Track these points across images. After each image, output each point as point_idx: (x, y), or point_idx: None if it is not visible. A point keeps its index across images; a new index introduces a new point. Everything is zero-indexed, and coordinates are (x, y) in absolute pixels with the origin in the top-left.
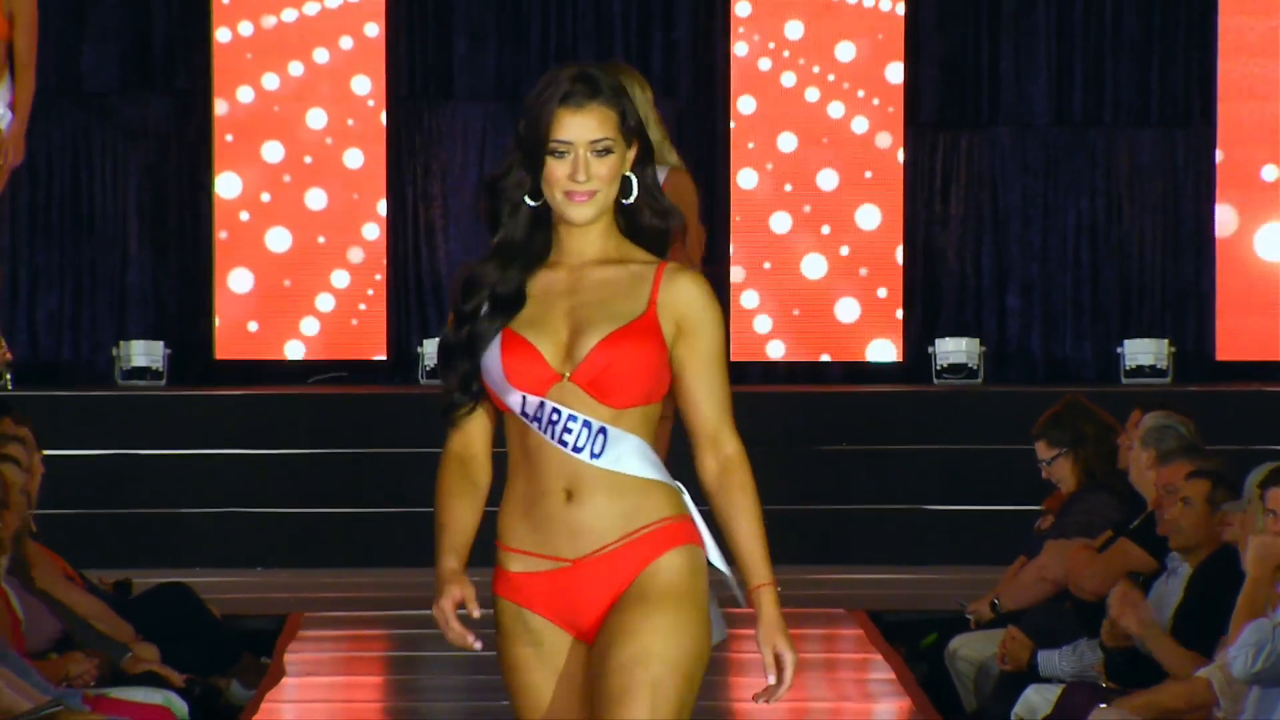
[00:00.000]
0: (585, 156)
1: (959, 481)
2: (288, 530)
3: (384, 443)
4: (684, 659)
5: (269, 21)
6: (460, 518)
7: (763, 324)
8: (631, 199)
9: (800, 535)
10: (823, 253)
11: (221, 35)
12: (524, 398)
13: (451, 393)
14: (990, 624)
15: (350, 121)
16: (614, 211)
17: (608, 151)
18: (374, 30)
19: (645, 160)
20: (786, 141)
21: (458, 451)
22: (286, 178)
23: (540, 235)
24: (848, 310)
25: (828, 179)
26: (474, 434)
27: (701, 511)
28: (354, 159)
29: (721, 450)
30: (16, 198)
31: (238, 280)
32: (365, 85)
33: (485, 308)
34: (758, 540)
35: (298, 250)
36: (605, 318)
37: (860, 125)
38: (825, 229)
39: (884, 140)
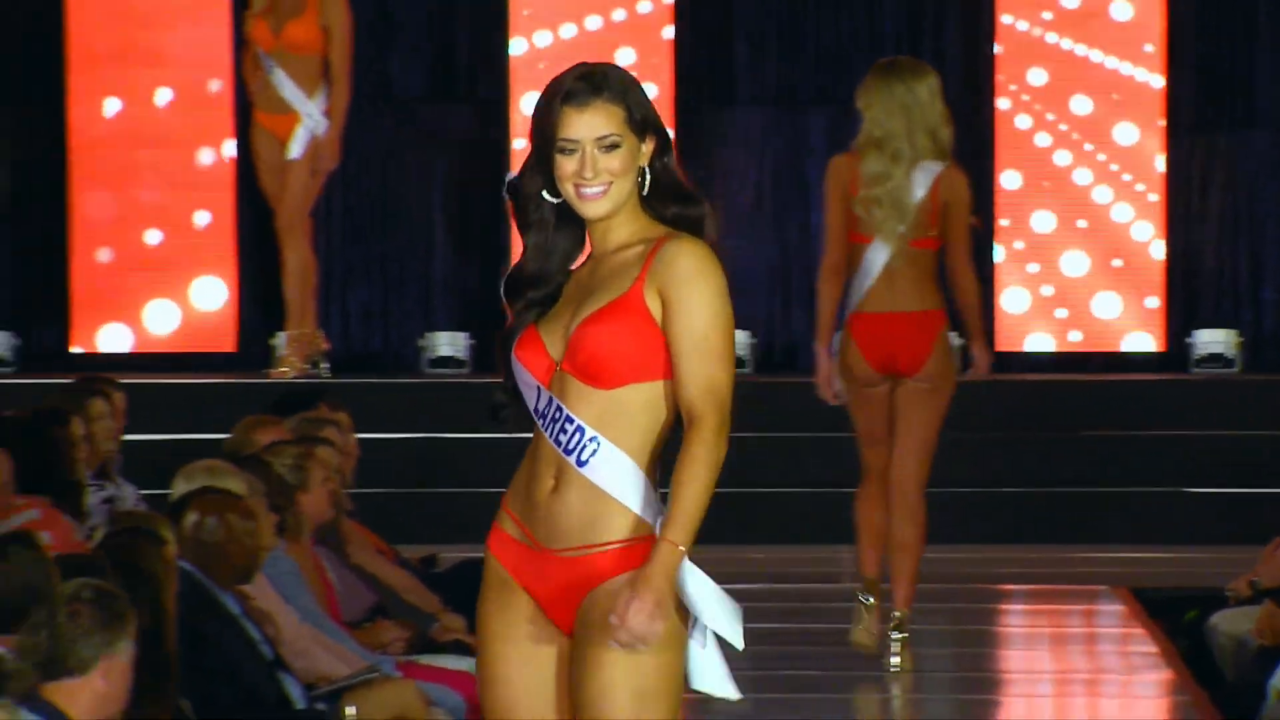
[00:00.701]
0: (592, 153)
1: (1218, 465)
2: None
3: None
4: (643, 680)
5: (568, 31)
6: None
7: (1024, 316)
8: (645, 192)
9: (1064, 516)
10: (1083, 249)
11: (516, 46)
12: (536, 391)
13: (494, 393)
14: (1249, 600)
15: None
16: (639, 202)
17: (615, 146)
18: (669, 34)
19: (663, 152)
20: (1043, 139)
21: None
22: None
23: (571, 231)
24: (1107, 304)
25: (1082, 176)
26: None
27: None
28: None
29: (693, 426)
30: (331, 199)
31: None
32: (652, 91)
33: (522, 306)
34: (685, 503)
35: None
36: (596, 301)
37: (1123, 130)
38: (1081, 223)
39: (1145, 143)
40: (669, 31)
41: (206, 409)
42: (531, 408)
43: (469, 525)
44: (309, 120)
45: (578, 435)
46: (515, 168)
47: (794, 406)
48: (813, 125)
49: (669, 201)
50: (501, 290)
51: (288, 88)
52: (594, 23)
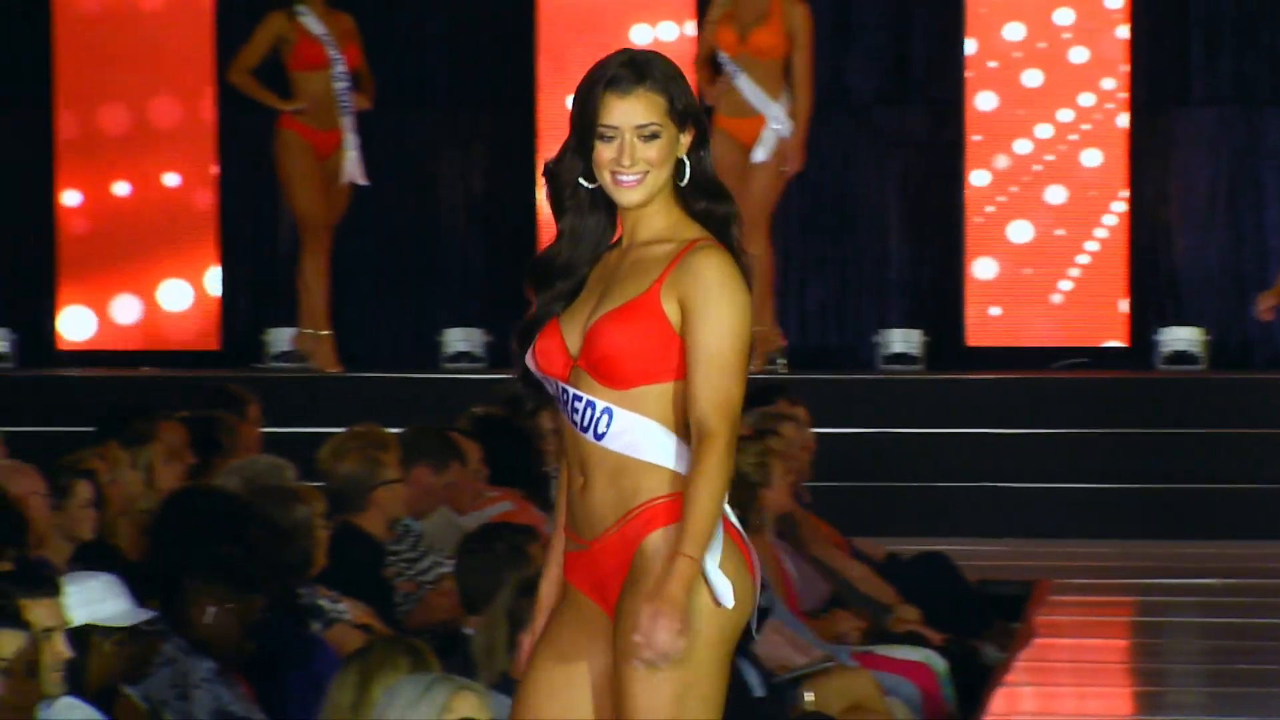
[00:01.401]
0: (631, 141)
1: None
2: (1035, 503)
3: (1120, 423)
4: (691, 663)
5: (1016, 32)
6: None
7: None
8: (684, 183)
9: None
10: None
11: (970, 46)
12: (554, 384)
13: (515, 383)
14: None
15: (1086, 125)
16: (673, 193)
17: (654, 136)
18: (1123, 33)
19: (701, 145)
20: None
21: None
22: (1026, 175)
23: (603, 217)
24: None
25: None
26: None
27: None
28: (1092, 158)
29: (705, 440)
30: (790, 199)
31: (983, 269)
32: (1106, 88)
33: (549, 297)
34: (696, 517)
35: (1038, 242)
36: (615, 298)
37: None
38: None
39: None
40: (1123, 31)
41: None
42: (554, 396)
43: (921, 518)
44: (775, 124)
45: (589, 410)
46: (969, 166)
47: (1249, 402)
48: (1269, 124)
49: (700, 196)
50: (527, 276)
51: (752, 92)
52: (1064, 17)
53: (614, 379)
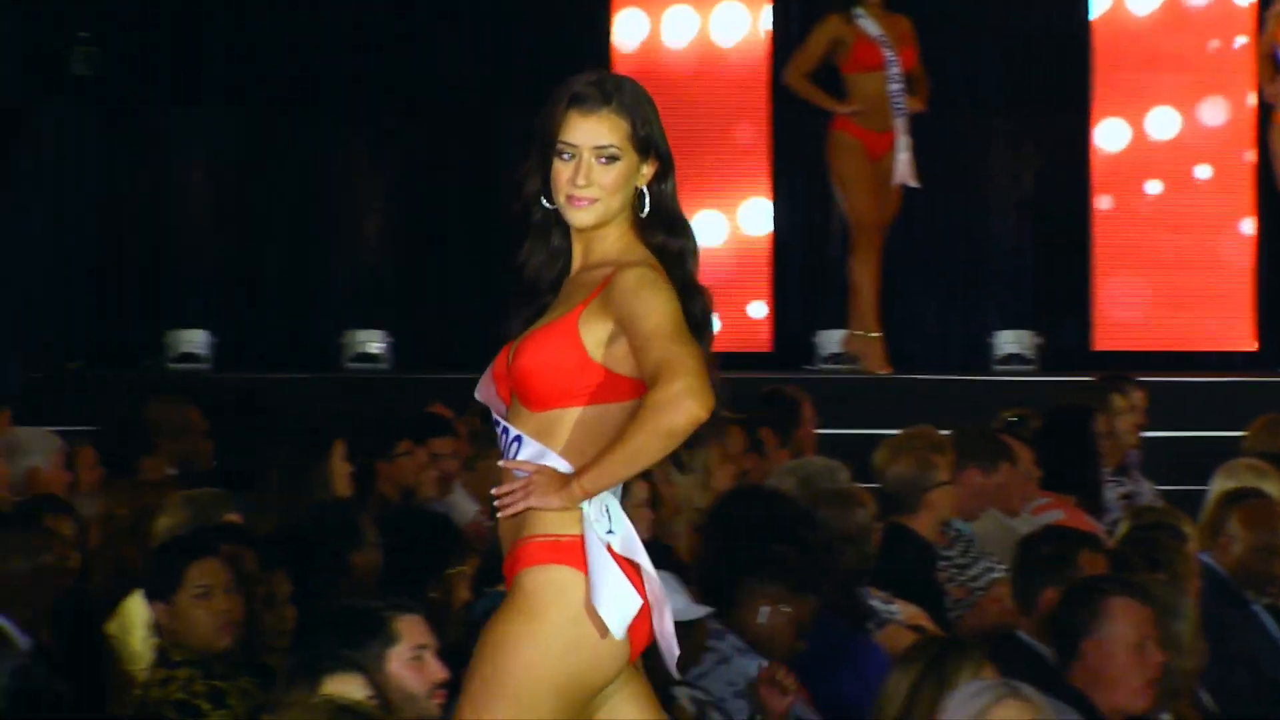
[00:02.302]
0: (589, 161)
1: None
2: None
3: None
4: (500, 675)
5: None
6: None
7: None
8: (644, 214)
9: None
10: None
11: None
12: (494, 408)
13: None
14: None
15: None
16: (632, 222)
17: (613, 159)
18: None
19: (662, 178)
20: None
21: None
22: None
23: (567, 238)
24: None
25: None
26: None
27: None
28: (1206, 170)
29: (651, 387)
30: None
31: (1110, 271)
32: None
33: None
34: (607, 452)
35: (1165, 247)
36: (545, 318)
37: None
38: None
39: None
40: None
41: (1221, 407)
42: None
43: None
44: None
45: (504, 436)
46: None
47: None
48: None
49: (658, 229)
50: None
51: None
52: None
53: (528, 400)
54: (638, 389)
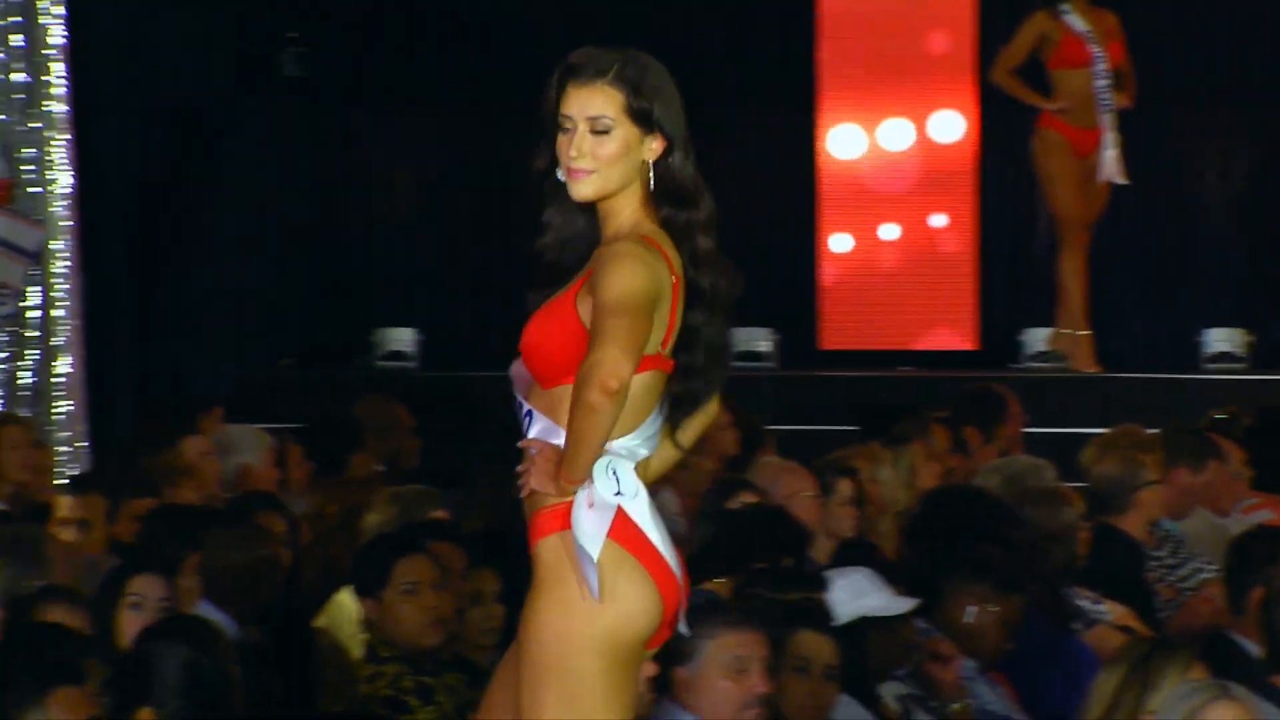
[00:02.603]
0: (583, 132)
1: None
2: None
3: None
4: (539, 650)
5: None
6: None
7: None
8: (652, 189)
9: None
10: None
11: None
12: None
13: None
14: None
15: None
16: (645, 196)
17: (605, 131)
18: None
19: (671, 153)
20: None
21: None
22: None
23: (589, 214)
24: None
25: None
26: None
27: None
28: None
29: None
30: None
31: None
32: None
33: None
34: (570, 445)
35: None
36: (556, 293)
37: None
38: None
39: None
40: None
41: None
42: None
43: None
44: None
45: (519, 411)
46: None
47: None
48: None
49: (665, 203)
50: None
51: None
52: None
53: (538, 375)
54: (641, 364)
